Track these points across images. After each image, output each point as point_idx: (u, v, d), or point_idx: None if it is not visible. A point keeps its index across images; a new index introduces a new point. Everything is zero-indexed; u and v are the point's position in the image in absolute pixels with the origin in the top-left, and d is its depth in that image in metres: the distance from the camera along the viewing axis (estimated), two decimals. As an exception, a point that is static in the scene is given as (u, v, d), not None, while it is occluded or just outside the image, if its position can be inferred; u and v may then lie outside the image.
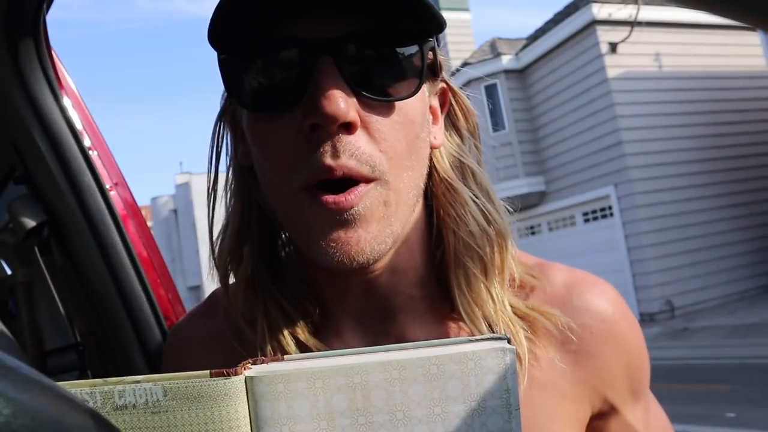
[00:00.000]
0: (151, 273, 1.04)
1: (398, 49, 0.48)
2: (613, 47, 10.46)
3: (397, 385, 0.36)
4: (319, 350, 0.52)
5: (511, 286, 0.56)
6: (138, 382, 0.35)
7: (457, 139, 0.59)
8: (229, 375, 0.34)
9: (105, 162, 1.07)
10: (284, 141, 0.47)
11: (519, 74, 12.28)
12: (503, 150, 11.98)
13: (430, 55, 0.50)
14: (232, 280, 0.58)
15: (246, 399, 0.35)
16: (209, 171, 0.58)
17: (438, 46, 0.52)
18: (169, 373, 0.37)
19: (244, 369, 0.35)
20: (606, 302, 0.57)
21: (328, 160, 0.45)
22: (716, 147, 10.91)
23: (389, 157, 0.48)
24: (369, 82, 0.47)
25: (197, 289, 26.41)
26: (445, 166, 0.56)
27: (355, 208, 0.47)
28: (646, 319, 10.12)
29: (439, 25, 0.48)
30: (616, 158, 10.37)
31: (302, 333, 0.53)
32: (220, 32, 0.47)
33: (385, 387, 0.36)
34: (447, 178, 0.56)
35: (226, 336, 0.57)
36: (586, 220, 11.48)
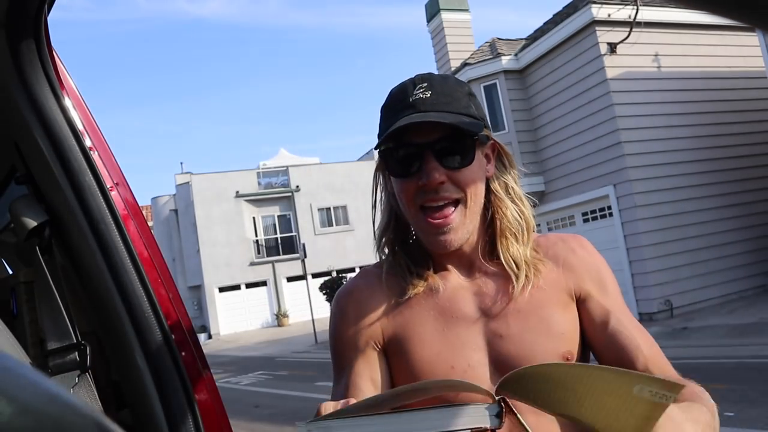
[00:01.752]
0: (151, 273, 1.05)
1: (460, 142, 0.91)
2: (613, 48, 10.47)
3: None
4: (435, 284, 0.96)
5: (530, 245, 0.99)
6: None
7: (503, 170, 1.01)
8: None
9: (106, 162, 1.07)
10: (411, 188, 0.93)
11: (518, 74, 12.28)
12: (502, 150, 11.97)
13: (479, 136, 0.93)
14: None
15: None
16: (373, 197, 1.04)
17: (488, 127, 0.97)
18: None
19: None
20: (578, 243, 1.01)
21: (432, 196, 0.92)
22: (715, 147, 10.91)
23: (464, 191, 0.92)
24: (449, 161, 0.91)
25: (198, 288, 26.41)
26: (496, 186, 0.99)
27: (449, 226, 0.92)
28: (645, 319, 10.12)
29: (480, 126, 0.93)
30: (616, 158, 10.37)
31: (425, 275, 0.97)
32: (380, 141, 0.94)
33: None
34: (496, 192, 0.99)
35: (375, 287, 1.00)
36: (586, 220, 11.49)
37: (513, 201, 0.98)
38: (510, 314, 0.93)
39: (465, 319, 0.94)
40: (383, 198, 1.04)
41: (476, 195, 0.94)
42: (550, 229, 12.27)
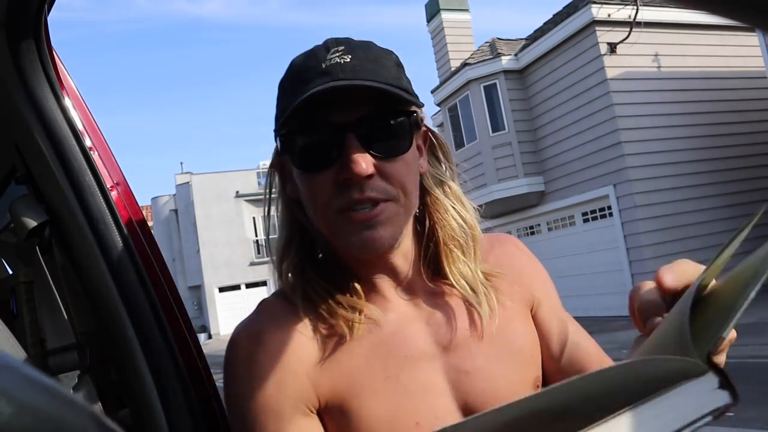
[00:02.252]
0: (151, 273, 1.05)
1: (394, 122, 0.71)
2: (612, 48, 10.47)
3: None
4: (372, 314, 0.74)
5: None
6: None
7: (437, 164, 0.82)
8: None
9: (106, 162, 1.07)
10: (326, 185, 0.70)
11: (518, 74, 12.28)
12: (502, 150, 11.99)
13: (415, 117, 0.74)
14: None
15: None
16: (265, 202, 0.82)
17: (419, 107, 0.76)
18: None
19: None
20: (514, 245, 0.89)
21: (357, 195, 0.69)
22: (715, 147, 10.91)
23: (397, 187, 0.71)
24: (379, 147, 0.70)
25: (197, 288, 26.41)
26: (431, 185, 0.80)
27: (378, 218, 0.70)
28: (645, 319, 10.12)
29: (418, 104, 0.74)
30: (615, 158, 10.37)
31: (356, 304, 0.75)
32: (281, 121, 0.71)
33: None
34: (433, 193, 0.80)
35: (289, 325, 0.75)
36: (586, 220, 11.48)
37: (452, 204, 0.80)
38: (472, 343, 0.75)
39: (420, 358, 0.73)
40: (280, 205, 0.81)
41: (412, 192, 0.74)
42: (550, 230, 12.28)
